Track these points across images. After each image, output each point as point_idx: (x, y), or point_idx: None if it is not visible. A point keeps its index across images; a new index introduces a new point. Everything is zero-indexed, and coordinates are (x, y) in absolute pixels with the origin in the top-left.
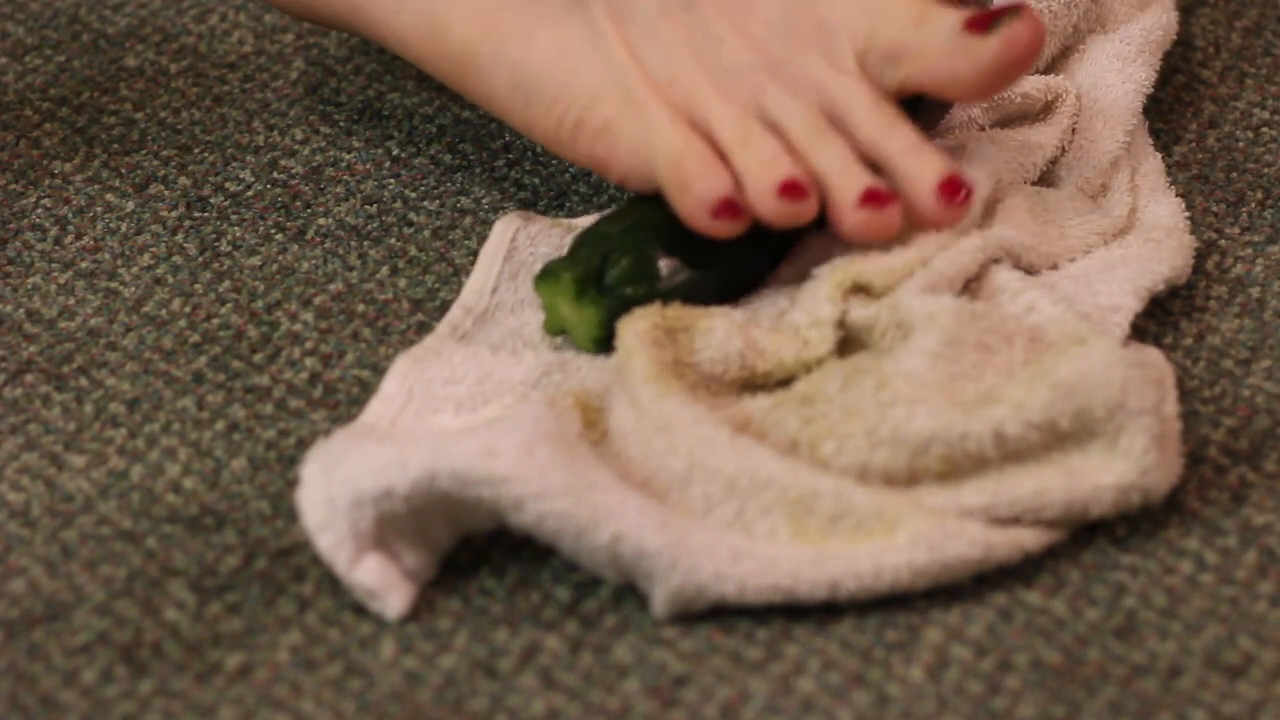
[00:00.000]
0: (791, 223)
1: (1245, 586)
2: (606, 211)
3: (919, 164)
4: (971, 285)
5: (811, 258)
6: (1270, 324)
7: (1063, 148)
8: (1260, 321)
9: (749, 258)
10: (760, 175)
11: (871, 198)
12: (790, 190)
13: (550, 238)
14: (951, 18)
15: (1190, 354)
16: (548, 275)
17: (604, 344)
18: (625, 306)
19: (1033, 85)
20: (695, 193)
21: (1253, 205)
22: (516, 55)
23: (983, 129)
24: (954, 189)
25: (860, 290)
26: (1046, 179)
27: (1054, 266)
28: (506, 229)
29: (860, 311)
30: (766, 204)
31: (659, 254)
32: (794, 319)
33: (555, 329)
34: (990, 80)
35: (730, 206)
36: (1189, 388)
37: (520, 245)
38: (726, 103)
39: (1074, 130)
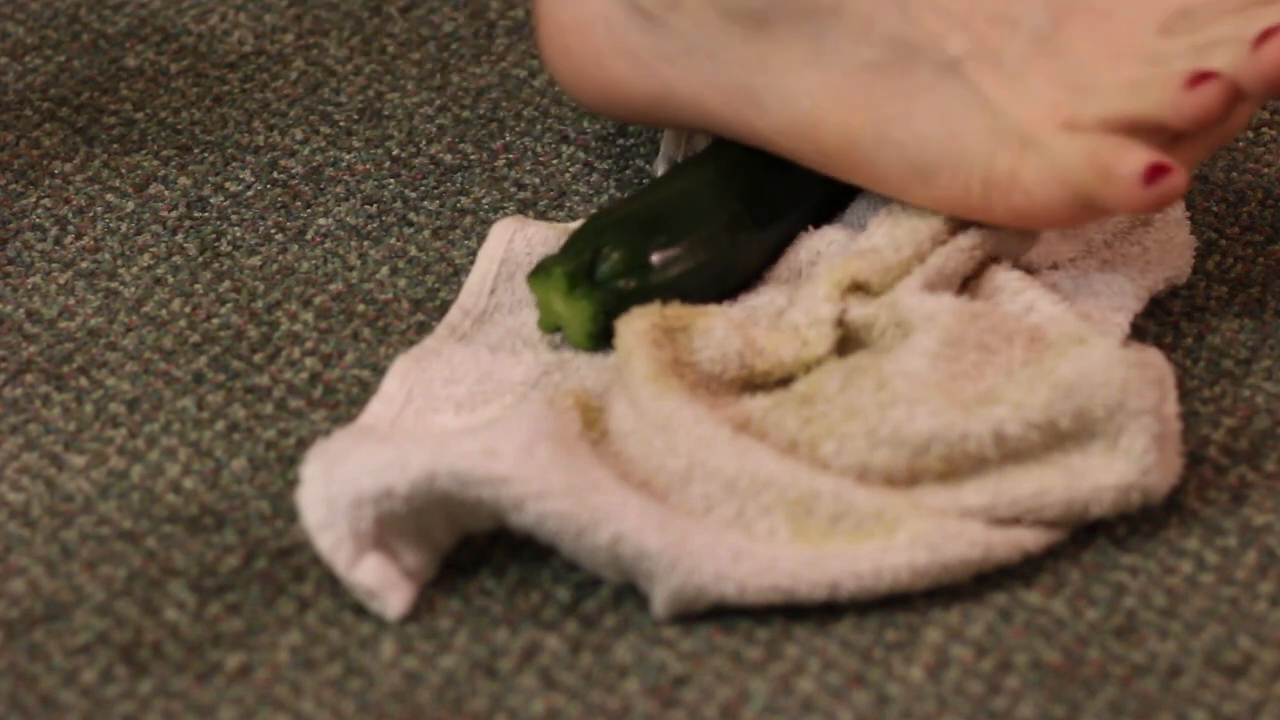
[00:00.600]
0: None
1: (1245, 586)
2: (600, 207)
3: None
4: (970, 284)
5: (808, 255)
6: (1270, 324)
7: None
8: (1260, 321)
9: (742, 246)
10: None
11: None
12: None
13: (547, 240)
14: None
15: (1190, 354)
16: (540, 271)
17: (598, 339)
18: (618, 300)
19: None
20: (1122, 173)
21: (1253, 205)
22: (900, 135)
23: None
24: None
25: (858, 289)
26: None
27: (1054, 265)
28: (504, 231)
29: (859, 310)
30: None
31: (651, 246)
32: (793, 318)
33: (550, 325)
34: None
35: (1159, 167)
36: (1189, 388)
37: (517, 247)
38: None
39: None
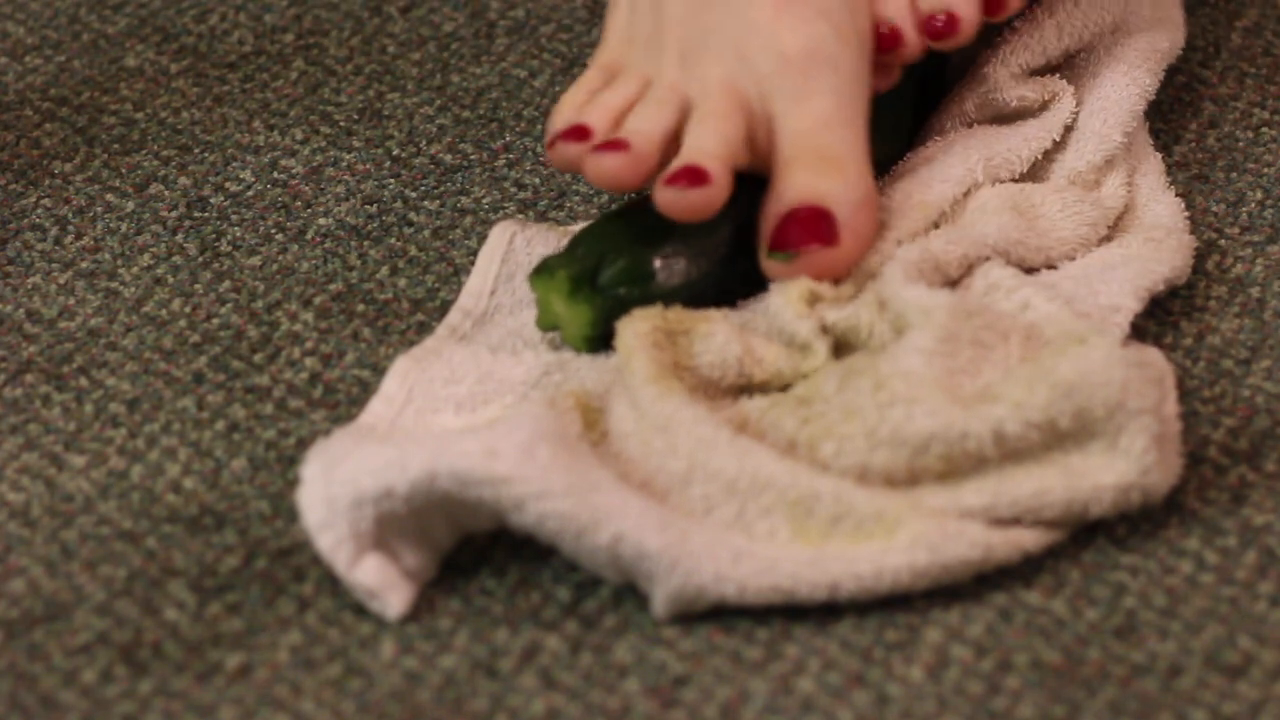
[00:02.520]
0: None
1: (1245, 586)
2: (607, 211)
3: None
4: (964, 281)
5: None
6: (1270, 324)
7: (1054, 143)
8: (1260, 321)
9: (745, 258)
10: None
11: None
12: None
13: (547, 241)
14: None
15: (1190, 354)
16: (543, 271)
17: (594, 343)
18: (618, 307)
19: (1029, 88)
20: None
21: (1253, 205)
22: None
23: (972, 124)
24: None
25: (816, 299)
26: (1040, 176)
27: (1049, 263)
28: (504, 232)
29: (836, 314)
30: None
31: (655, 256)
32: (780, 340)
33: (547, 325)
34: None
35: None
36: (1189, 388)
37: (518, 248)
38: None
39: (1070, 129)
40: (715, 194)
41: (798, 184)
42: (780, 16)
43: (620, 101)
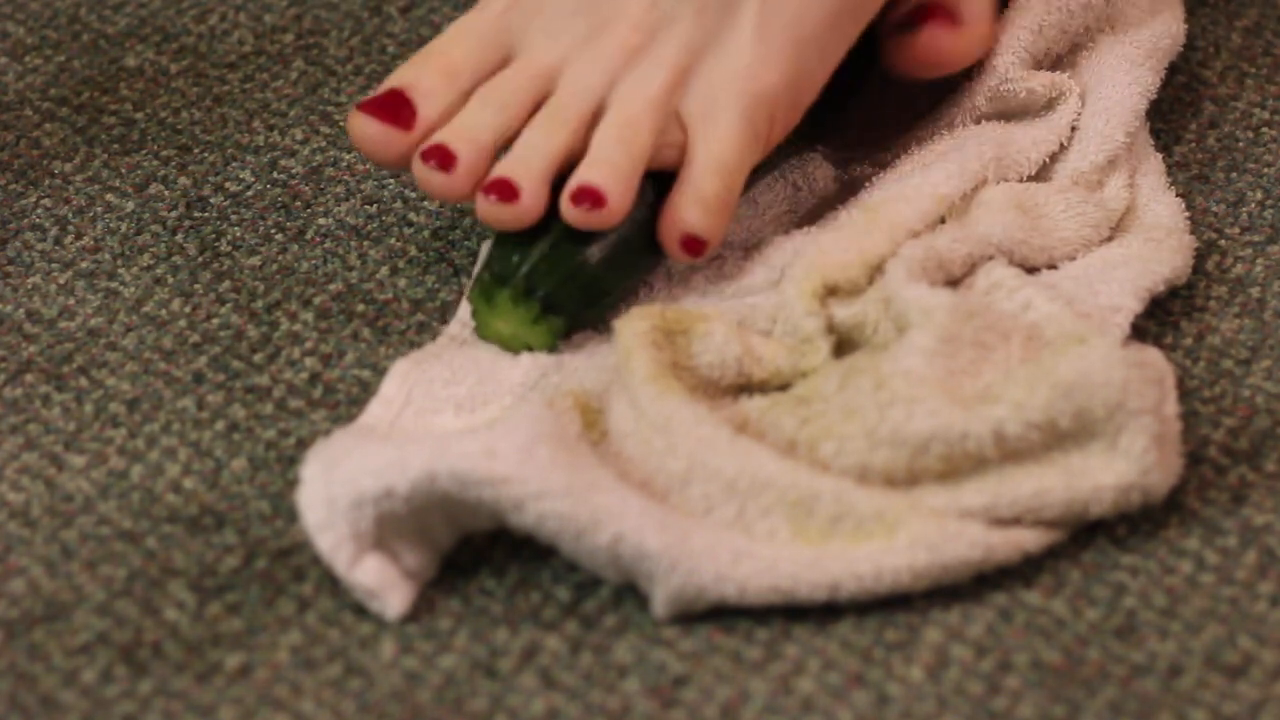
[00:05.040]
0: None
1: (1245, 586)
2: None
3: None
4: (966, 280)
5: (783, 258)
6: (1270, 324)
7: (1061, 144)
8: (1260, 321)
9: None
10: None
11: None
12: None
13: None
14: None
15: (1190, 354)
16: (478, 318)
17: (546, 328)
18: (532, 282)
19: (1038, 81)
20: None
21: (1253, 205)
22: None
23: (981, 120)
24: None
25: (832, 292)
26: (1043, 176)
27: (1051, 263)
28: None
29: (845, 311)
30: None
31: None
32: (782, 334)
33: (520, 345)
34: None
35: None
36: (1189, 388)
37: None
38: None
39: (1074, 128)
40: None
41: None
42: None
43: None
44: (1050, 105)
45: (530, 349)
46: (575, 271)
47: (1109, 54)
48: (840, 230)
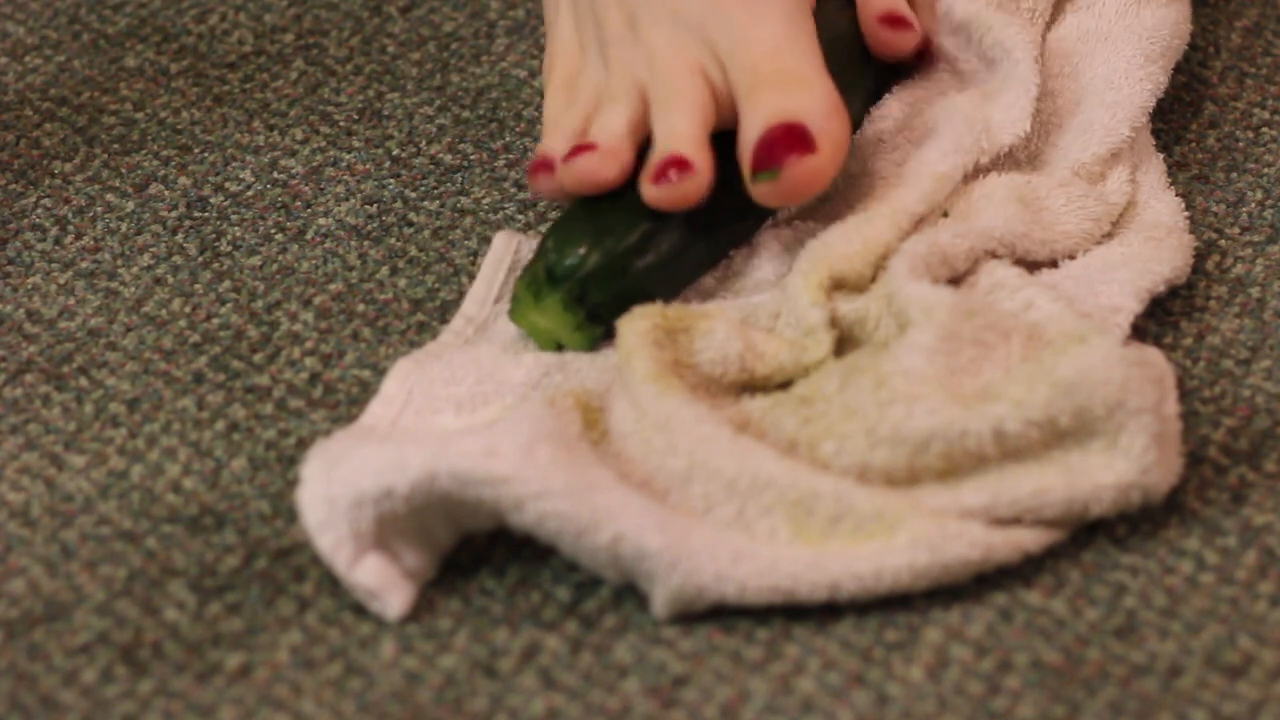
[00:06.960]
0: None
1: (1245, 586)
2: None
3: None
4: (968, 279)
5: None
6: (1270, 324)
7: (1037, 88)
8: (1260, 321)
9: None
10: None
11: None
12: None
13: None
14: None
15: (1190, 354)
16: (514, 303)
17: (588, 333)
18: (582, 286)
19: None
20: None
21: (1253, 205)
22: None
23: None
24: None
25: (839, 285)
26: (1039, 161)
27: (1052, 256)
28: (509, 241)
29: (848, 306)
30: None
31: (587, 229)
32: (786, 326)
33: (550, 344)
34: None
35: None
36: (1189, 388)
37: (524, 256)
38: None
39: (1073, 116)
40: (702, 179)
41: (765, 105)
42: None
43: (579, 121)
44: (991, 65)
45: (560, 348)
46: (629, 286)
47: (1125, 46)
48: (843, 220)
